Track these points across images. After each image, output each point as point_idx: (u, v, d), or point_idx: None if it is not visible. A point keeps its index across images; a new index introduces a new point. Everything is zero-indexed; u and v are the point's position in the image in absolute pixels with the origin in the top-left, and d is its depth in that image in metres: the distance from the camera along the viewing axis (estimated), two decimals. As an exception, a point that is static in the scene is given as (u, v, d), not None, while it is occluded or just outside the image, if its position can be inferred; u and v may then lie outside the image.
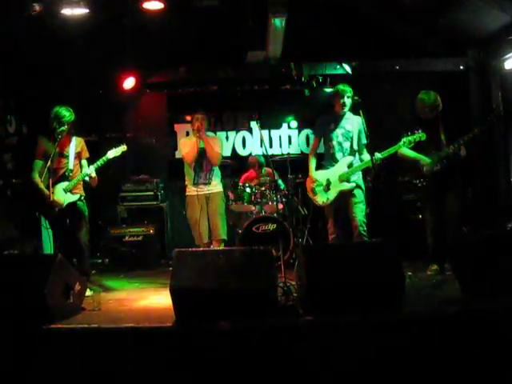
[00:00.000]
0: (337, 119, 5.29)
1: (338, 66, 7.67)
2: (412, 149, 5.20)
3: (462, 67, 7.55)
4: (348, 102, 5.17)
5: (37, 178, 4.97)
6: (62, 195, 4.99)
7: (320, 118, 5.47)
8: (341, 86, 5.23)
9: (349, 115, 5.28)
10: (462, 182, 5.41)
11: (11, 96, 7.15)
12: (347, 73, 7.55)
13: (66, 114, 4.97)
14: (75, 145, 5.12)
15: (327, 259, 3.72)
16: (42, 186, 4.91)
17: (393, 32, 7.58)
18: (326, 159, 5.39)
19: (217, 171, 5.69)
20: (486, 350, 3.36)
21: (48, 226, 5.05)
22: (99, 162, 5.10)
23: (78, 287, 4.05)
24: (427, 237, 5.30)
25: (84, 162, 5.21)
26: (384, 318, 3.44)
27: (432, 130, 5.15)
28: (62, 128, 4.94)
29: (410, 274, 5.04)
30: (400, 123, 5.85)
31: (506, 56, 6.91)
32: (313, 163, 5.39)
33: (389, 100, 7.96)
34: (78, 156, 5.17)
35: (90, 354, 3.42)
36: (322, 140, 5.42)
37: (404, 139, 5.04)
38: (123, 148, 5.29)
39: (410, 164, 5.34)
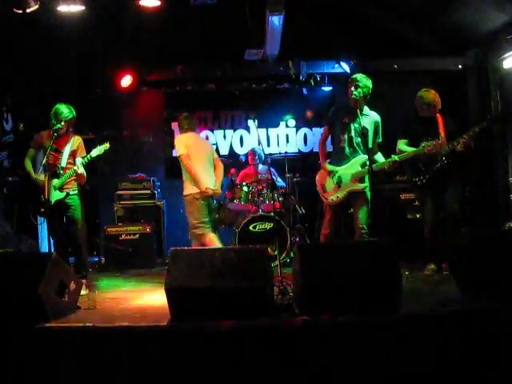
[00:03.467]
0: (352, 112, 4.90)
1: (337, 65, 7.66)
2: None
3: (460, 66, 7.55)
4: (357, 92, 4.82)
5: (28, 166, 5.10)
6: (52, 192, 4.97)
7: (335, 108, 5.18)
8: (353, 75, 4.99)
9: (366, 110, 4.93)
10: (461, 181, 5.40)
11: (8, 94, 7.13)
12: (346, 71, 7.52)
13: (64, 111, 4.96)
14: (72, 143, 5.10)
15: (323, 258, 3.69)
16: (33, 174, 5.02)
17: (391, 31, 7.59)
18: (334, 154, 5.11)
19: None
20: (484, 349, 3.35)
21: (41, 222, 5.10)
22: (83, 161, 5.07)
23: (73, 286, 4.02)
24: (425, 236, 5.28)
25: (78, 159, 5.16)
26: (380, 317, 3.42)
27: (431, 128, 5.14)
28: (58, 126, 4.92)
29: (407, 273, 5.02)
30: (399, 122, 5.84)
31: (505, 55, 6.91)
32: (324, 155, 5.08)
33: (387, 99, 7.95)
34: (73, 154, 5.13)
35: (85, 353, 3.39)
36: (333, 133, 5.10)
37: (423, 144, 4.95)
38: (106, 146, 5.21)
39: (409, 162, 5.32)
